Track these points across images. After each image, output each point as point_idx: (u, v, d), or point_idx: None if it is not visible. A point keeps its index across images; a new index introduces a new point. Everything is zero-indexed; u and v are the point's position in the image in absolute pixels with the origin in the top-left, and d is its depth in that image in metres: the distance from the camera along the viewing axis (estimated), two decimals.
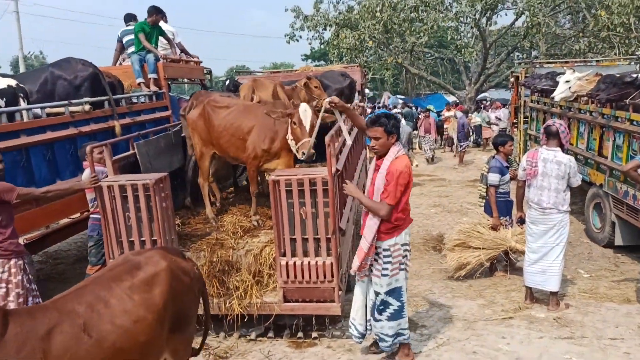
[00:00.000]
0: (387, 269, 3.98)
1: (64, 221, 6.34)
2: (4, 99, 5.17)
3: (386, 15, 19.78)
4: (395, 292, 4.05)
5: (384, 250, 3.97)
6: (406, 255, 4.08)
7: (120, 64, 8.31)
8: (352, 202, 5.72)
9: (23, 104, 5.38)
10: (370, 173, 4.06)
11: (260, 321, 4.74)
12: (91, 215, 5.29)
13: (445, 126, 17.85)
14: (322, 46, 25.99)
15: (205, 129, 5.54)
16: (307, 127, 4.84)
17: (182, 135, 6.24)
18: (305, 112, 4.89)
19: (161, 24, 7.89)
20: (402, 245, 4.02)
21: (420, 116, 17.74)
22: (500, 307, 5.31)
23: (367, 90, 25.70)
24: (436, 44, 29.57)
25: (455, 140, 16.46)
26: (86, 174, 4.95)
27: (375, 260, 4.02)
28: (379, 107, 21.36)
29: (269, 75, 8.51)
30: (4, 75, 5.69)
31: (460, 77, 25.11)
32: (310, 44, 23.70)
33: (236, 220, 5.55)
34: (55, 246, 7.32)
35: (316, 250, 4.44)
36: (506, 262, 6.29)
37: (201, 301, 3.36)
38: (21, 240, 5.51)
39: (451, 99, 24.50)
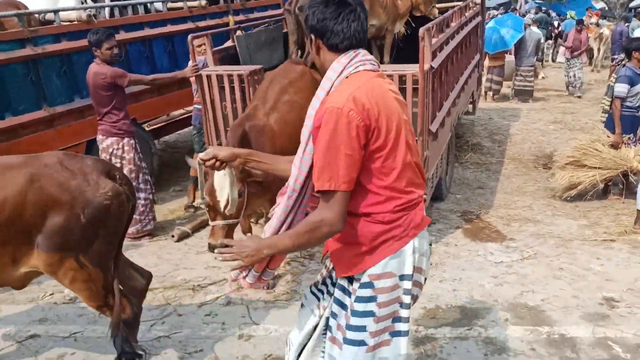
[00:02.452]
0: (359, 327, 1.87)
1: (181, 113, 6.94)
2: None
3: None
4: None
5: (362, 286, 1.86)
6: (408, 303, 1.89)
7: None
8: (452, 106, 5.42)
9: None
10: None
11: None
12: (194, 105, 5.59)
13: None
14: None
15: None
16: (222, 203, 2.91)
17: (284, 31, 6.26)
18: (220, 183, 2.99)
19: None
20: (403, 278, 1.87)
21: (555, 25, 15.72)
22: (603, 229, 4.91)
23: None
24: None
25: (595, 53, 14.55)
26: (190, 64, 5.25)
27: (340, 302, 1.94)
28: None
29: None
30: None
31: None
32: None
33: None
34: (174, 136, 8.04)
35: None
36: (623, 185, 5.70)
37: None
38: (146, 127, 6.16)
39: (599, 5, 21.35)
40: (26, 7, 4.68)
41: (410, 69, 4.07)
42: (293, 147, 2.07)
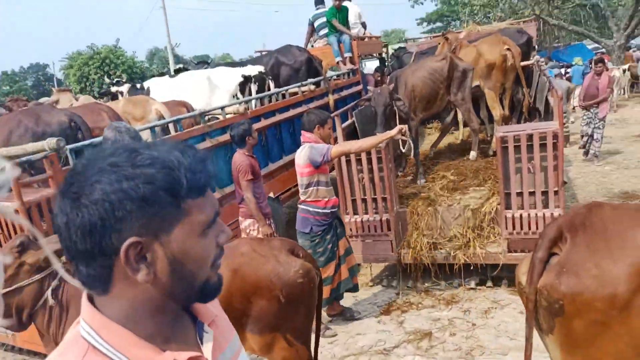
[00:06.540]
0: None
1: None
2: (257, 84, 6.23)
3: None
4: None
5: None
6: None
7: (312, 45, 9.18)
8: None
9: (272, 86, 6.41)
10: None
11: (476, 272, 5.21)
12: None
13: None
14: (444, 6, 25.50)
15: None
16: None
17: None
18: None
19: (347, 4, 8.65)
20: None
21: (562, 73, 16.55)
22: None
23: None
24: None
25: (615, 93, 15.42)
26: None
27: None
28: None
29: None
30: (253, 63, 6.81)
31: (606, 23, 22.97)
32: (436, 5, 23.49)
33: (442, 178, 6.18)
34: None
35: (544, 203, 4.79)
36: None
37: None
38: (272, 195, 6.60)
39: (594, 47, 22.70)
40: (192, 106, 5.25)
41: (550, 127, 4.62)
42: None
